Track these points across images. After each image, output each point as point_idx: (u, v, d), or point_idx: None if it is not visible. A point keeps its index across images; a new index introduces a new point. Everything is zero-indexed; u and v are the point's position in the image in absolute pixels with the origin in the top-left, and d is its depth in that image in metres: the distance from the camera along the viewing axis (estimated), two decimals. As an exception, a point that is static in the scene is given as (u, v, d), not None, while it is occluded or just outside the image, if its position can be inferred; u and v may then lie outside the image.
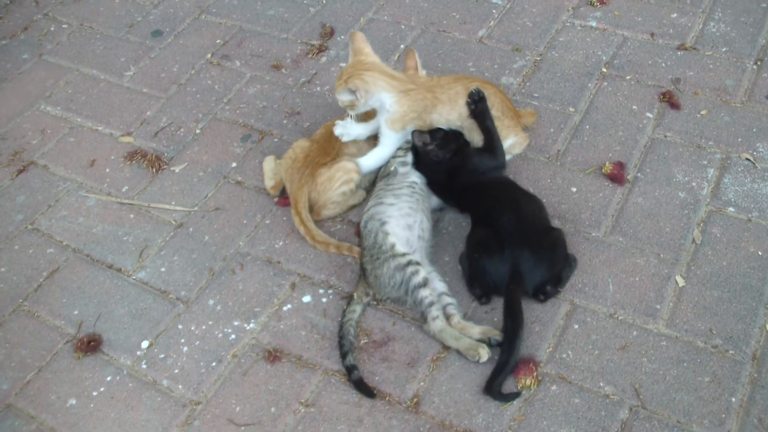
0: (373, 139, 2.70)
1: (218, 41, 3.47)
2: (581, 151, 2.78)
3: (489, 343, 2.25)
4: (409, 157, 2.60)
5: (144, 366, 2.38)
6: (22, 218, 2.85)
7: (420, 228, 2.44)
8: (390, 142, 2.61)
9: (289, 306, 2.47)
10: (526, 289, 2.32)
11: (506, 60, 3.16)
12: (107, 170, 2.98)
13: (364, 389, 2.21)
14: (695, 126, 2.81)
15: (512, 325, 2.21)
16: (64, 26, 3.72)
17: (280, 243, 2.64)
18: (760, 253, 2.43)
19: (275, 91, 3.19)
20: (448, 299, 2.34)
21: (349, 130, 2.65)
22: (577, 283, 2.41)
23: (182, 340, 2.42)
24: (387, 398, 2.22)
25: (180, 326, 2.46)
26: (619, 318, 2.32)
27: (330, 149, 2.66)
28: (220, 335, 2.42)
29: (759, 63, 3.01)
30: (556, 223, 2.56)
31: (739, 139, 2.75)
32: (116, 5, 3.77)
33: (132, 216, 2.80)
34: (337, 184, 2.58)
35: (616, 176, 2.66)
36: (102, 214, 2.83)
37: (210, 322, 2.46)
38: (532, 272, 2.32)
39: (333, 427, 2.18)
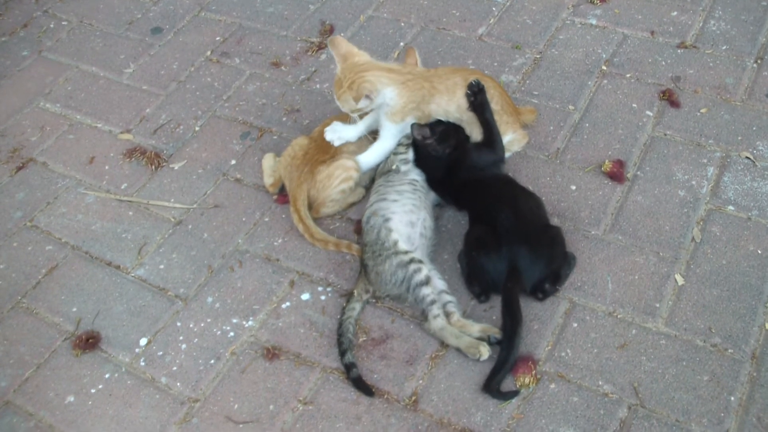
0: (373, 136, 2.70)
1: (218, 38, 3.47)
2: (581, 149, 2.77)
3: (489, 341, 2.24)
4: (411, 155, 2.60)
5: (142, 363, 2.38)
6: (21, 215, 2.85)
7: (422, 225, 2.44)
8: (390, 134, 2.60)
9: (287, 303, 2.47)
10: (524, 287, 2.32)
11: (506, 57, 3.16)
12: (106, 167, 2.98)
13: (363, 387, 2.21)
14: (695, 124, 2.81)
15: (511, 323, 2.21)
16: (63, 23, 3.71)
17: (279, 240, 2.64)
18: (759, 252, 2.42)
19: (275, 89, 3.19)
20: (447, 297, 2.34)
21: (340, 133, 2.64)
22: (576, 281, 2.41)
23: (181, 338, 2.42)
24: (385, 396, 2.22)
25: (178, 323, 2.46)
26: (619, 316, 2.32)
27: (329, 147, 2.65)
28: (219, 333, 2.42)
29: (759, 61, 3.00)
30: (555, 221, 2.55)
31: (739, 138, 2.74)
32: (116, 2, 3.77)
33: (131, 213, 2.80)
34: (336, 181, 2.58)
35: (616, 174, 2.65)
36: (101, 211, 2.82)
37: (209, 320, 2.46)
38: (530, 269, 2.31)
39: (331, 425, 2.17)
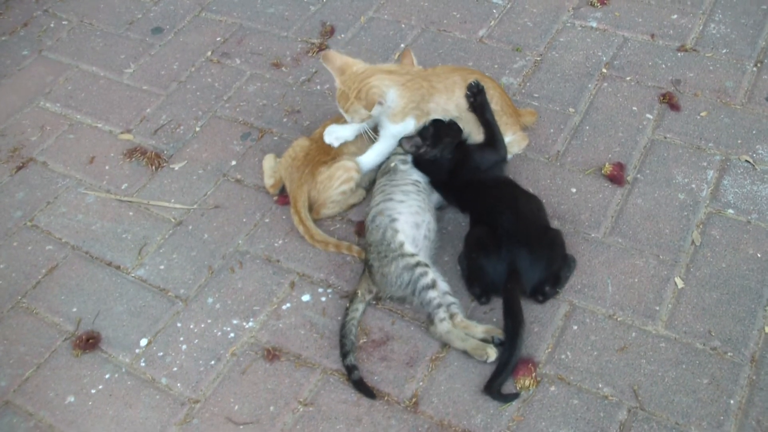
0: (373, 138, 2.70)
1: (218, 39, 3.47)
2: (581, 152, 2.78)
3: (492, 342, 2.25)
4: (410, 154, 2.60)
5: (143, 364, 2.38)
6: (21, 215, 2.85)
7: (427, 228, 2.44)
8: (390, 135, 2.59)
9: (288, 305, 2.47)
10: (523, 288, 2.32)
11: (506, 60, 3.16)
12: (106, 167, 2.98)
13: (364, 389, 2.21)
14: (695, 127, 2.81)
15: (512, 325, 2.21)
16: (64, 23, 3.71)
17: (280, 241, 2.64)
18: (759, 255, 2.43)
19: (275, 90, 3.19)
20: (450, 299, 2.34)
21: (337, 133, 2.63)
22: (576, 283, 2.41)
23: (181, 338, 2.42)
24: (386, 398, 2.22)
25: (179, 324, 2.46)
26: (618, 319, 2.32)
27: (330, 148, 2.65)
28: (219, 333, 2.42)
29: (759, 65, 3.01)
30: (555, 223, 2.56)
31: (739, 141, 2.75)
32: (116, 2, 3.76)
33: (131, 213, 2.80)
34: (337, 183, 2.58)
35: (616, 177, 2.66)
36: (101, 211, 2.82)
37: (209, 321, 2.46)
38: (530, 271, 2.32)
39: (331, 426, 2.18)
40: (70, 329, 2.49)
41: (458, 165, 2.52)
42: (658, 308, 2.33)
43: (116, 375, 2.36)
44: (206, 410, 2.25)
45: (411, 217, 2.43)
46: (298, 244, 2.62)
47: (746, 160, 2.69)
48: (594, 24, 3.27)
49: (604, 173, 2.68)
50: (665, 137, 2.80)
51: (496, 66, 3.13)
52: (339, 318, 2.39)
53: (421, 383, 2.24)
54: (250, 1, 3.64)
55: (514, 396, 2.17)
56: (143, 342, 2.43)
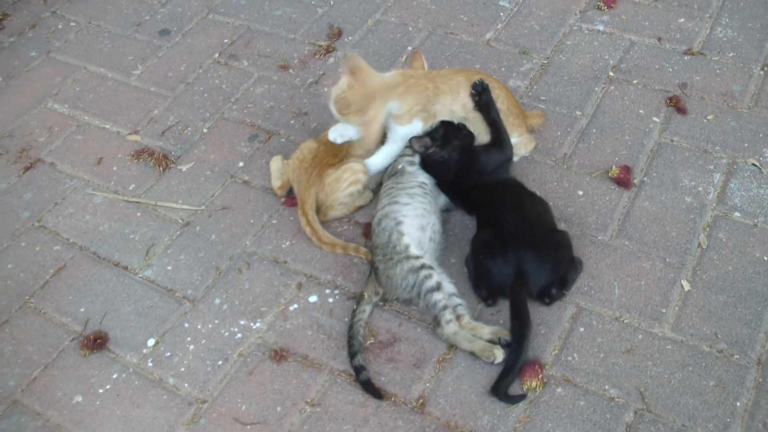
0: (382, 140, 2.71)
1: (226, 41, 3.48)
2: (588, 155, 2.78)
3: (499, 343, 2.25)
4: (417, 156, 2.60)
5: (150, 364, 2.39)
6: (28, 215, 2.86)
7: (432, 230, 2.45)
8: (398, 137, 2.60)
9: (295, 306, 2.48)
10: (530, 291, 2.33)
11: (513, 63, 3.17)
12: (114, 168, 2.99)
13: (372, 390, 2.22)
14: (702, 131, 2.82)
15: (519, 327, 2.21)
16: (71, 24, 3.72)
17: (287, 243, 2.65)
18: (765, 259, 2.43)
19: (282, 91, 3.20)
20: (457, 300, 2.35)
21: (342, 131, 2.63)
22: (582, 286, 2.41)
23: (188, 339, 2.43)
24: (393, 399, 2.23)
25: (186, 325, 2.47)
26: (625, 321, 2.33)
27: (338, 150, 2.66)
28: (227, 334, 2.43)
29: (766, 68, 3.02)
30: (562, 226, 2.56)
31: (746, 145, 2.75)
32: (124, 4, 3.78)
33: (139, 214, 2.81)
34: (344, 185, 2.59)
35: (623, 180, 2.66)
36: (109, 212, 2.83)
37: (216, 321, 2.46)
38: (536, 274, 2.32)
39: (338, 427, 2.18)
40: (77, 329, 2.50)
41: (465, 167, 2.53)
42: (664, 311, 2.33)
43: (124, 375, 2.37)
44: (213, 410, 2.26)
45: (416, 219, 2.43)
46: (306, 246, 2.62)
47: (753, 164, 2.69)
48: (601, 27, 3.28)
49: (611, 176, 2.68)
50: (672, 140, 2.80)
51: (503, 69, 3.14)
52: (346, 319, 2.40)
53: (428, 384, 2.24)
54: (257, 3, 3.65)
55: (521, 397, 2.18)
56: (151, 342, 2.44)
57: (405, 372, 2.28)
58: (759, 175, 2.66)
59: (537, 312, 2.34)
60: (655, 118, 2.88)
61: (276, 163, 2.80)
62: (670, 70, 3.06)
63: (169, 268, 2.63)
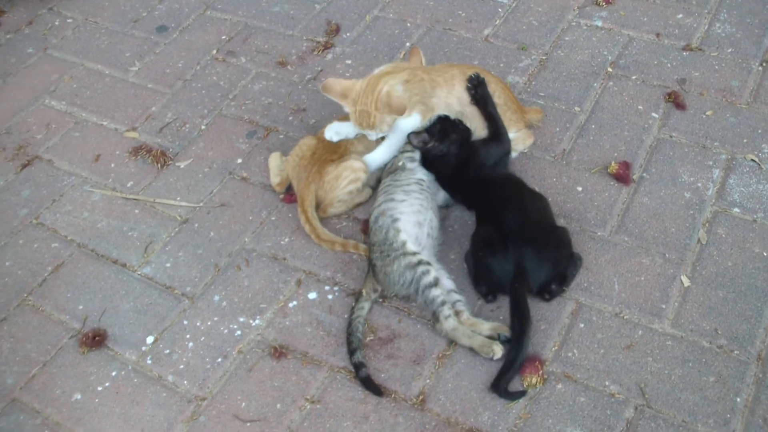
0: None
1: (223, 37, 3.47)
2: (587, 151, 2.78)
3: (499, 339, 2.25)
4: (417, 153, 2.60)
5: (149, 361, 2.38)
6: (26, 212, 2.85)
7: (429, 226, 2.44)
8: (397, 130, 2.58)
9: (294, 302, 2.47)
10: (530, 287, 2.32)
11: (512, 59, 3.16)
12: (112, 165, 2.98)
13: (372, 387, 2.22)
14: (701, 126, 2.82)
15: (520, 323, 2.21)
16: (68, 21, 3.71)
17: (286, 239, 2.64)
18: (765, 254, 2.43)
19: (281, 88, 3.19)
20: (456, 296, 2.35)
21: (337, 129, 2.62)
22: (582, 282, 2.41)
23: (187, 336, 2.43)
24: (393, 395, 2.22)
25: (185, 322, 2.46)
26: (625, 317, 2.32)
27: (337, 147, 2.66)
28: (226, 331, 2.42)
29: (765, 64, 3.01)
30: (561, 222, 2.56)
31: (745, 140, 2.75)
32: (121, 0, 3.76)
33: (137, 211, 2.80)
34: (344, 182, 2.58)
35: (622, 176, 2.66)
36: (107, 209, 2.83)
37: (215, 318, 2.46)
38: (537, 270, 2.32)
39: (339, 424, 2.18)
40: (76, 327, 2.49)
41: (464, 162, 2.52)
42: (664, 306, 2.33)
43: (123, 372, 2.37)
44: (213, 408, 2.25)
45: (413, 216, 2.43)
46: (305, 242, 2.62)
47: (752, 159, 2.69)
48: (599, 23, 3.28)
49: (610, 172, 2.68)
50: (671, 136, 2.80)
51: (501, 65, 3.14)
52: (346, 316, 2.40)
53: (428, 381, 2.24)
54: (255, -1, 3.65)
55: (521, 394, 2.17)
56: (150, 340, 2.43)
57: (405, 368, 2.27)
58: (758, 171, 2.66)
59: (537, 308, 2.34)
60: (654, 114, 2.88)
61: (274, 160, 2.80)
62: (669, 65, 3.05)
63: (168, 265, 2.62)
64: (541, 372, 2.20)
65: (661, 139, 2.79)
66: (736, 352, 2.22)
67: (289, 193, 2.75)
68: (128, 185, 2.90)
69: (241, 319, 2.45)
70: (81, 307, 2.54)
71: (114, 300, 2.55)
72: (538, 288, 2.34)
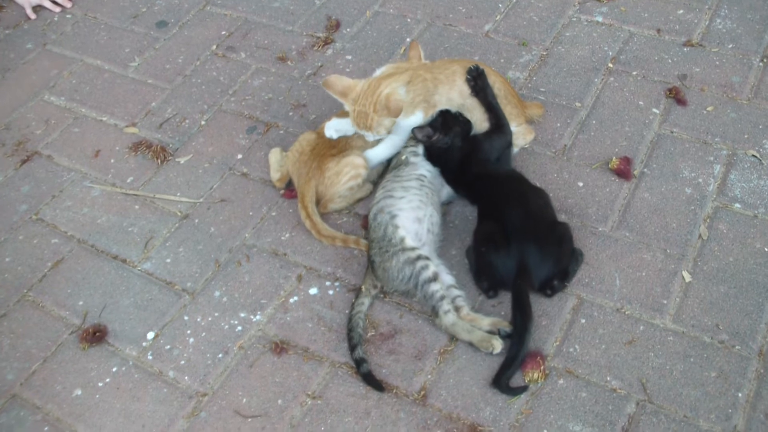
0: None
1: (223, 33, 3.46)
2: (588, 146, 2.78)
3: (499, 334, 2.25)
4: (421, 148, 2.59)
5: (150, 357, 2.38)
6: (26, 208, 2.85)
7: (429, 221, 2.44)
8: (400, 129, 2.58)
9: (295, 298, 2.47)
10: (532, 283, 2.32)
11: (513, 54, 3.16)
12: (112, 161, 2.97)
13: (373, 383, 2.21)
14: (701, 122, 2.81)
15: (521, 319, 2.21)
16: (68, 16, 3.70)
17: (287, 235, 2.64)
18: (766, 250, 2.43)
19: (281, 83, 3.18)
20: (456, 292, 2.34)
21: (337, 126, 2.61)
22: (583, 277, 2.41)
23: (188, 332, 2.42)
24: (394, 391, 2.22)
25: (186, 317, 2.46)
26: (626, 312, 2.32)
27: (337, 141, 2.65)
28: (227, 327, 2.42)
29: (765, 60, 3.01)
30: (562, 217, 2.56)
31: (746, 136, 2.75)
32: (120, -4, 3.76)
33: (137, 207, 2.80)
34: (345, 178, 2.58)
35: (623, 171, 2.66)
36: (107, 205, 2.82)
37: (216, 314, 2.45)
38: (539, 266, 2.32)
39: (340, 420, 2.18)
40: (76, 322, 2.49)
41: (468, 155, 2.52)
42: (665, 302, 2.33)
43: (123, 368, 2.36)
44: (214, 403, 2.25)
45: (412, 212, 2.42)
46: (305, 238, 2.61)
47: (753, 155, 2.69)
48: (600, 19, 3.27)
49: (611, 167, 2.68)
50: (672, 132, 2.80)
51: (502, 60, 3.13)
52: (347, 311, 2.39)
53: (429, 376, 2.24)
54: (254, -5, 3.64)
55: (523, 389, 2.17)
56: (150, 335, 2.43)
57: (406, 364, 2.27)
58: (759, 166, 2.66)
59: (538, 303, 2.34)
60: (654, 110, 2.88)
61: (275, 156, 2.79)
62: (670, 61, 3.05)
63: (168, 260, 2.62)
64: (542, 367, 2.20)
65: (662, 134, 2.79)
66: (737, 347, 2.22)
67: (290, 189, 2.74)
68: (128, 181, 2.89)
69: (242, 315, 2.44)
70: (81, 302, 2.54)
71: (114, 296, 2.54)
72: (540, 284, 2.34)
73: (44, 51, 3.52)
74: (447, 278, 2.38)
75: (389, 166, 2.66)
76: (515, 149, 2.72)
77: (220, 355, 2.35)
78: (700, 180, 2.63)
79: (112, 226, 2.75)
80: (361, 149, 2.64)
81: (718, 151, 2.72)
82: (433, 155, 2.57)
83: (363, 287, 2.41)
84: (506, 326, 2.26)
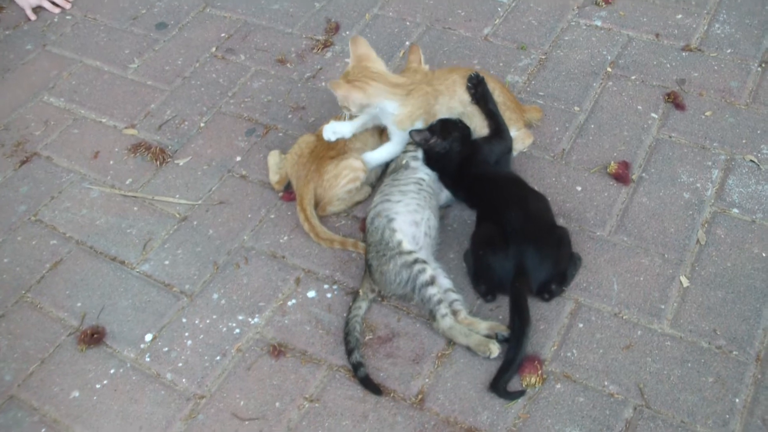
0: (378, 133, 2.71)
1: (223, 35, 3.47)
2: (586, 151, 2.78)
3: (496, 338, 2.25)
4: (420, 151, 2.60)
5: (148, 359, 2.38)
6: (25, 209, 2.85)
7: (427, 225, 2.44)
8: (399, 140, 2.62)
9: (293, 301, 2.47)
10: (530, 287, 2.32)
11: (511, 58, 3.16)
12: (111, 162, 2.97)
13: (371, 386, 2.21)
14: (700, 127, 2.82)
15: (519, 323, 2.21)
16: (67, 17, 3.70)
17: (285, 238, 2.64)
18: (764, 255, 2.43)
19: (280, 86, 3.19)
20: (453, 295, 2.34)
21: (335, 128, 2.63)
22: (581, 281, 2.41)
23: (186, 334, 2.42)
24: (392, 394, 2.22)
25: (184, 320, 2.46)
26: (624, 317, 2.33)
27: (335, 144, 2.65)
28: (225, 329, 2.42)
29: (764, 65, 3.02)
30: (560, 221, 2.56)
31: (744, 141, 2.75)
32: (120, -3, 3.77)
33: (136, 208, 2.80)
34: (343, 181, 2.58)
35: (621, 176, 2.66)
36: (105, 206, 2.82)
37: (214, 316, 2.46)
38: (537, 270, 2.32)
39: (337, 423, 2.18)
40: (74, 324, 2.49)
41: (467, 159, 2.52)
42: (663, 307, 2.34)
43: (121, 370, 2.36)
44: (212, 406, 2.25)
45: (409, 215, 2.42)
46: (304, 241, 2.62)
47: (751, 160, 2.69)
48: (599, 23, 3.28)
49: (610, 172, 2.68)
50: (670, 136, 2.80)
51: (501, 64, 3.14)
52: (345, 314, 2.39)
53: (427, 380, 2.24)
54: (254, -3, 3.64)
55: (520, 393, 2.17)
56: (148, 337, 2.43)
57: (404, 367, 2.27)
58: (757, 172, 2.66)
59: (536, 308, 2.34)
60: (653, 114, 2.88)
61: (273, 158, 2.79)
62: (668, 66, 3.06)
63: (167, 262, 2.62)
64: (540, 372, 2.20)
65: (660, 139, 2.80)
66: (734, 352, 2.22)
67: (288, 191, 2.75)
68: (127, 182, 2.89)
69: (240, 318, 2.44)
70: (79, 304, 2.54)
71: (112, 297, 2.54)
72: (537, 288, 2.34)
73: (44, 52, 3.52)
74: (444, 282, 2.38)
75: (387, 170, 2.66)
76: (514, 153, 2.72)
77: (218, 358, 2.35)
78: (699, 185, 2.64)
79: (110, 228, 2.75)
80: (359, 152, 2.65)
81: (716, 156, 2.72)
82: (432, 159, 2.57)
83: (360, 291, 2.41)
84: (504, 330, 2.26)
